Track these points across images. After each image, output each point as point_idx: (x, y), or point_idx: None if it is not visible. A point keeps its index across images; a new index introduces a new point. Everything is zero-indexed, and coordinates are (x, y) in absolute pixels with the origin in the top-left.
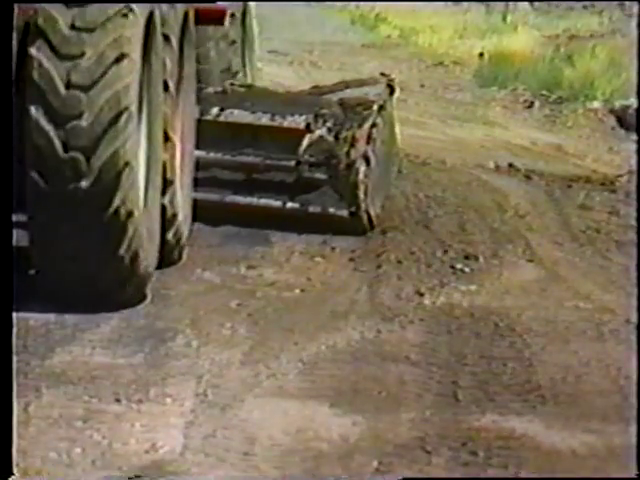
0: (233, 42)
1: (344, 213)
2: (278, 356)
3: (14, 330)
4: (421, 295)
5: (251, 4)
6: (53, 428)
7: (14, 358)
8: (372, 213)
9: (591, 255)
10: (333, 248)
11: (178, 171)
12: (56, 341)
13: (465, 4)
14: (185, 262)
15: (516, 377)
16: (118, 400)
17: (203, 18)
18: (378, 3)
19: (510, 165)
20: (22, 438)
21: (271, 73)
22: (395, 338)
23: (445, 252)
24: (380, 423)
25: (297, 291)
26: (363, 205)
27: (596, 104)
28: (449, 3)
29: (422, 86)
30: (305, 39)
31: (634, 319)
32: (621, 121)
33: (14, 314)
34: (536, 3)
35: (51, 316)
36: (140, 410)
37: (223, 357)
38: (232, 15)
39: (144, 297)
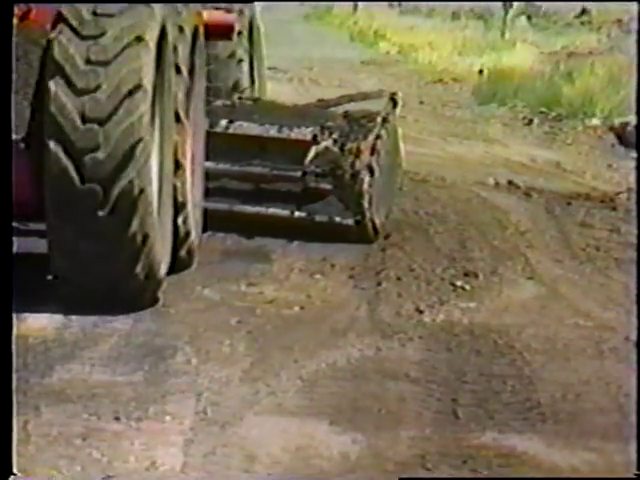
0: (240, 60)
1: (349, 222)
2: (278, 374)
3: (14, 348)
4: (421, 312)
5: (258, 20)
6: (52, 446)
7: (14, 376)
8: (377, 222)
9: (591, 273)
10: (333, 265)
11: (189, 194)
12: (55, 359)
13: (463, 21)
14: (185, 280)
15: (516, 395)
16: (117, 418)
17: (212, 33)
18: (377, 19)
19: (510, 182)
20: (21, 456)
21: (271, 90)
22: (395, 355)
23: (445, 269)
24: (380, 441)
25: (297, 308)
26: (368, 214)
27: (595, 121)
28: (447, 19)
29: (421, 103)
30: (304, 56)
31: (634, 337)
32: (620, 138)
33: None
34: (534, 19)
35: (50, 334)
36: (140, 428)
37: (223, 375)
38: (239, 33)
39: (157, 300)
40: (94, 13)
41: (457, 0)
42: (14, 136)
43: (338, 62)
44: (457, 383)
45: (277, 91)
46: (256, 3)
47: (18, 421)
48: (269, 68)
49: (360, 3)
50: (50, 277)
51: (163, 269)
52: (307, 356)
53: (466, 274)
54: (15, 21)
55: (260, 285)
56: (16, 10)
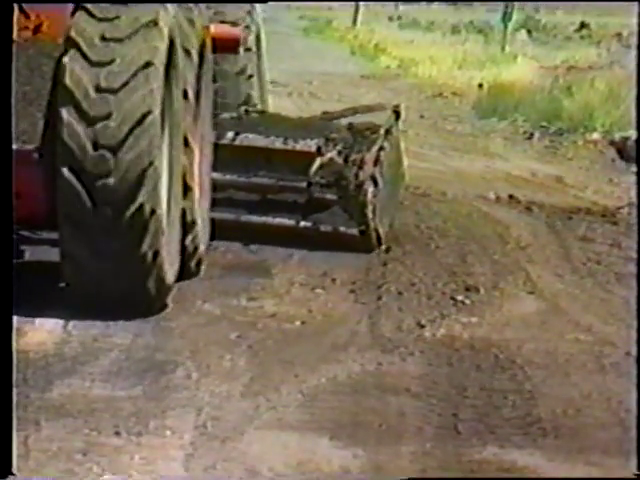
0: (250, 76)
1: (354, 231)
2: (278, 388)
3: (14, 362)
4: (422, 327)
5: (262, 34)
6: (53, 461)
7: (14, 390)
8: (380, 231)
9: (592, 287)
10: (334, 279)
11: (197, 178)
12: (56, 374)
13: (463, 35)
14: (185, 294)
15: (517, 410)
16: (118, 433)
17: (219, 47)
18: (377, 33)
19: (511, 196)
20: (22, 471)
21: (271, 104)
22: (395, 370)
23: (446, 284)
24: (381, 455)
25: (297, 323)
26: (372, 224)
27: (596, 136)
28: (447, 33)
29: (422, 117)
30: (304, 70)
31: (635, 352)
32: (621, 153)
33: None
34: (534, 33)
35: (50, 349)
36: (140, 443)
37: (223, 389)
38: (248, 49)
39: (165, 306)
40: (103, 38)
41: (460, 0)
42: (28, 146)
43: (338, 76)
44: (458, 398)
45: (277, 105)
46: (258, 15)
47: (18, 436)
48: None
49: (359, 16)
50: (62, 285)
51: (170, 261)
52: (308, 371)
53: (467, 288)
54: (28, 34)
55: (261, 299)
56: (28, 23)
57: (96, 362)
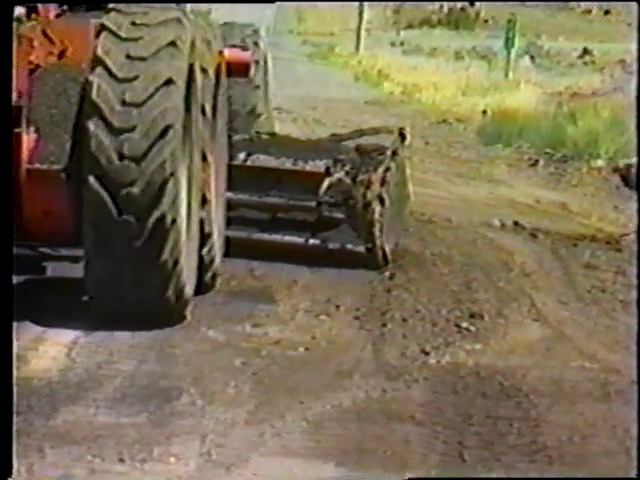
0: (257, 87)
1: (361, 249)
2: (283, 415)
3: (16, 389)
4: (426, 354)
5: (269, 60)
6: None
7: (15, 419)
8: (387, 249)
9: (597, 315)
10: (338, 306)
11: (213, 191)
12: (60, 401)
13: (467, 61)
14: (190, 321)
15: (522, 437)
16: (122, 460)
17: (232, 70)
18: (380, 59)
19: (515, 223)
20: None
21: (276, 130)
22: (400, 397)
23: (450, 311)
24: None
25: (302, 349)
26: (378, 242)
27: (600, 162)
28: (450, 59)
29: (426, 144)
30: (308, 96)
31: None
32: (625, 180)
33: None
34: (537, 59)
35: (54, 376)
36: (144, 470)
37: (228, 416)
38: (257, 62)
39: (183, 317)
40: (127, 56)
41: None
42: (56, 167)
43: (342, 102)
44: (463, 425)
45: (282, 131)
46: (263, 40)
47: (22, 463)
48: (273, 108)
49: (362, 42)
50: (86, 298)
51: (190, 290)
52: (312, 397)
53: (471, 315)
54: (53, 59)
55: (265, 326)
56: (53, 49)
57: (100, 389)
